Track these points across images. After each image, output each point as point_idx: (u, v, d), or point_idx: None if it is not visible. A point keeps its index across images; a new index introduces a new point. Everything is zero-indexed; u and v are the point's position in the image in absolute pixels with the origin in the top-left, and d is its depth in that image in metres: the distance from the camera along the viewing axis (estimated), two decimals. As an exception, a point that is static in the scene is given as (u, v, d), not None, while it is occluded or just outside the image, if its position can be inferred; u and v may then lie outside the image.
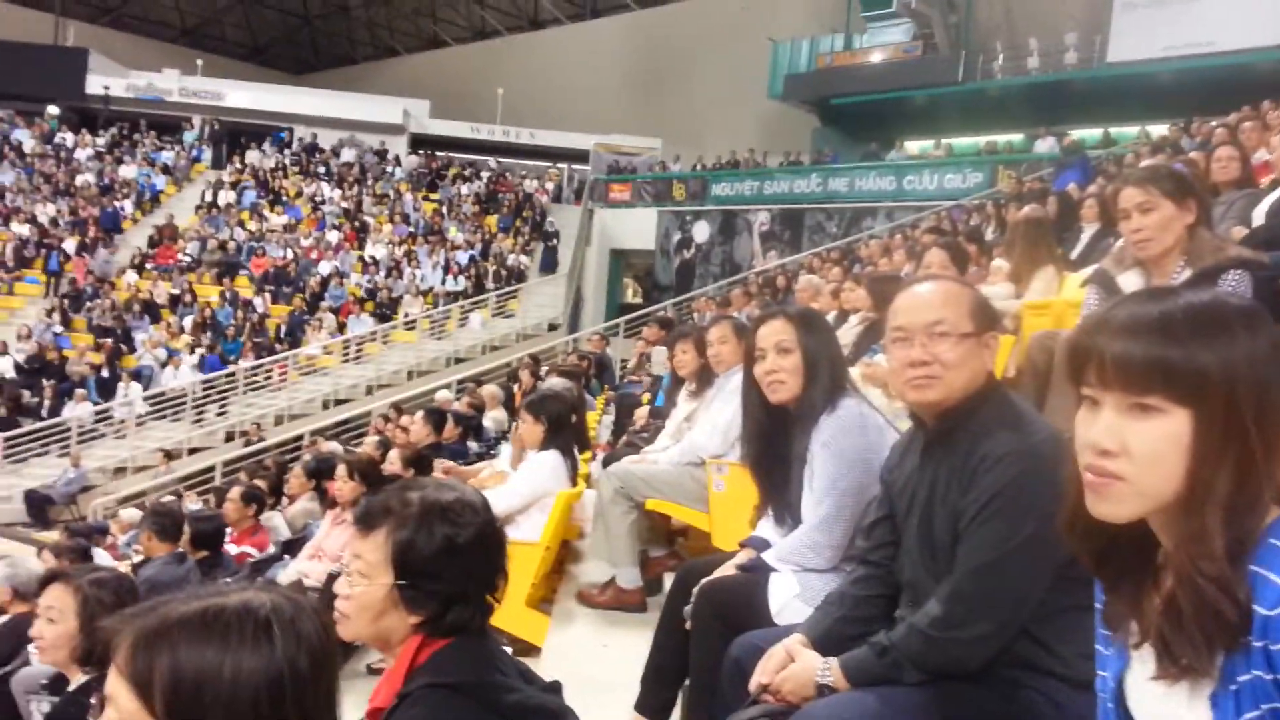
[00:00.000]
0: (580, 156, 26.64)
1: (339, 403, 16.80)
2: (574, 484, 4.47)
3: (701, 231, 22.42)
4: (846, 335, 5.17)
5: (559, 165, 26.99)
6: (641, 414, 5.86)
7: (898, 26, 22.64)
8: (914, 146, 23.50)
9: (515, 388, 10.04)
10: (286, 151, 25.91)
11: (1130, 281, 2.73)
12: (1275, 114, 9.85)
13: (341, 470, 4.98)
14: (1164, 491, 1.04)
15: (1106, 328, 1.09)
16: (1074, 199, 8.80)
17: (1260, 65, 16.94)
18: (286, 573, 4.84)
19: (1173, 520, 1.06)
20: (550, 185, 25.59)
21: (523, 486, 4.27)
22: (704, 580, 2.46)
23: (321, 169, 24.92)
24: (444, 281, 20.60)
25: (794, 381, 2.47)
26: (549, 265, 21.76)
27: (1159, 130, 15.93)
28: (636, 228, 22.96)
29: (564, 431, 4.41)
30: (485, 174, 26.17)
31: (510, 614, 3.57)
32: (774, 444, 2.56)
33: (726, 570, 2.50)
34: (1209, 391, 1.01)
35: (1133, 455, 1.04)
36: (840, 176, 21.13)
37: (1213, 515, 1.02)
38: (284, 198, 23.29)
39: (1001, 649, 1.69)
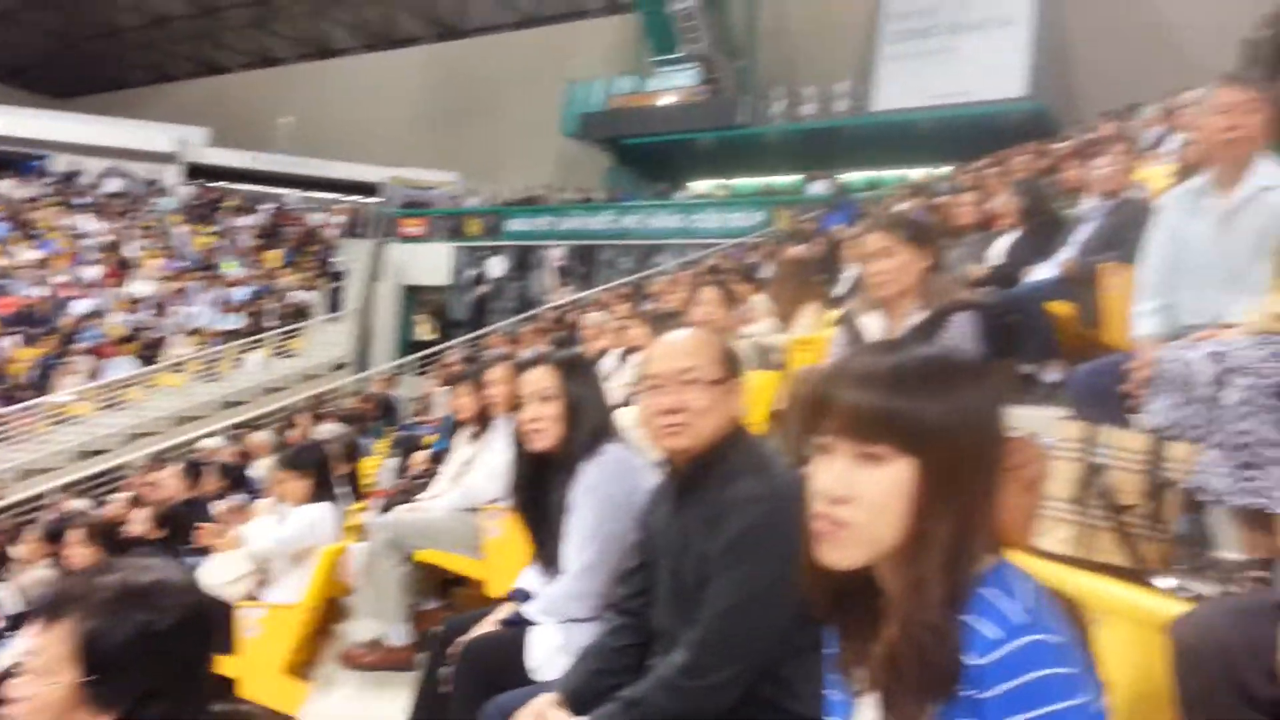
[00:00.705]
0: (372, 190, 25.88)
1: (95, 454, 15.32)
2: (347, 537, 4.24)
3: (497, 267, 22.25)
4: (630, 373, 5.20)
5: (349, 198, 26.11)
6: (420, 458, 5.64)
7: (685, 71, 23.48)
8: (701, 186, 24.40)
9: (291, 433, 9.49)
10: (43, 181, 23.65)
11: (871, 323, 2.86)
12: (1020, 159, 10.89)
13: (76, 534, 4.47)
14: (888, 539, 1.06)
15: (841, 378, 1.10)
16: (838, 239, 9.36)
17: (1010, 114, 18.72)
18: (5, 655, 4.28)
19: (896, 568, 1.07)
20: (339, 219, 24.67)
21: (282, 542, 4.00)
22: (463, 639, 2.34)
23: (83, 200, 22.91)
24: (217, 320, 19.33)
25: (555, 429, 2.43)
26: (336, 302, 20.91)
27: (920, 174, 17.30)
28: (430, 263, 22.49)
29: (328, 483, 4.17)
30: (267, 206, 24.90)
31: (265, 683, 3.29)
32: (538, 492, 2.50)
33: (487, 626, 2.39)
34: (933, 442, 1.04)
35: (861, 502, 1.05)
36: (632, 214, 21.60)
37: (932, 564, 1.03)
38: (37, 231, 21.20)
39: (745, 691, 1.68)
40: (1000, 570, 1.07)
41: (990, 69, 19.06)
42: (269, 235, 23.34)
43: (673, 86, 23.73)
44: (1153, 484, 2.07)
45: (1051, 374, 4.56)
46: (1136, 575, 2.02)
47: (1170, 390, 2.35)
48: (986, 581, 1.05)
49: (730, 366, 1.88)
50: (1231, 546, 2.61)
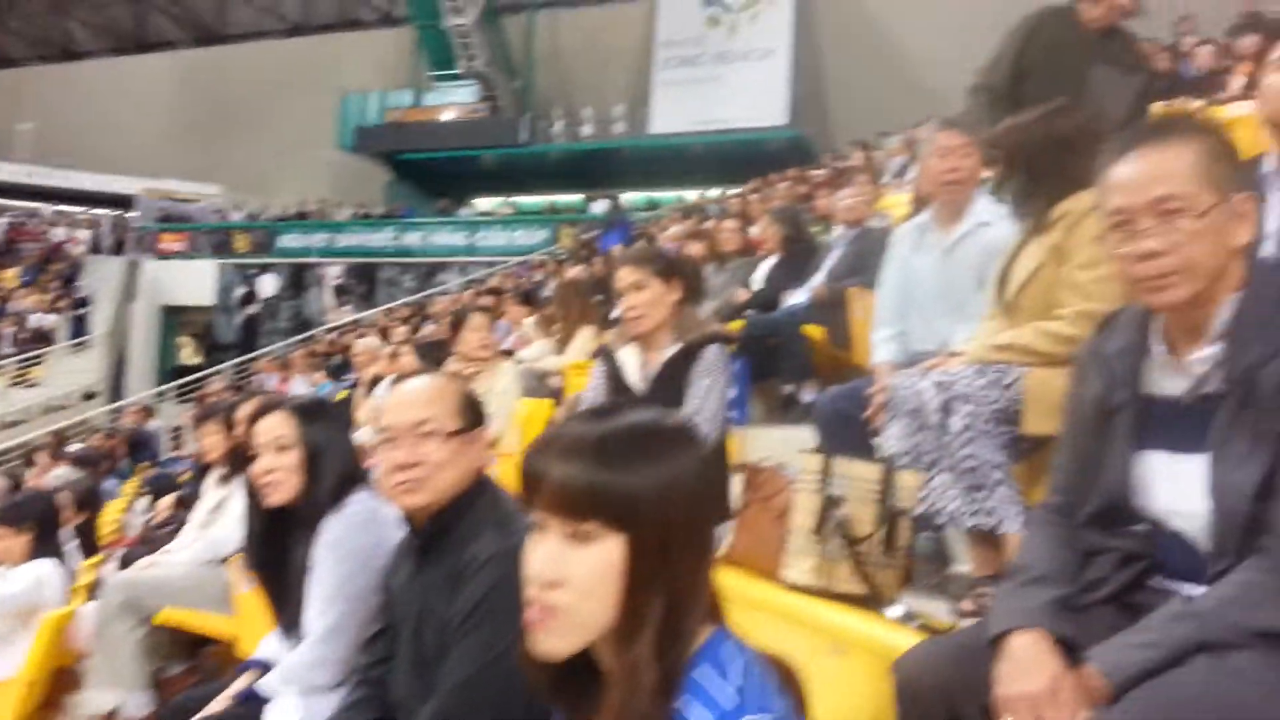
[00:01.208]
0: (127, 203, 23.81)
1: None
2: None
3: (268, 285, 21.06)
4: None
5: (98, 211, 23.91)
6: (167, 503, 5.19)
7: (464, 87, 23.21)
8: (485, 203, 24.17)
9: (29, 473, 8.54)
10: None
11: (629, 356, 2.87)
12: (781, 185, 11.47)
13: None
14: (600, 622, 1.02)
15: (548, 451, 1.05)
16: (616, 260, 9.51)
17: (773, 141, 19.75)
18: None
19: (610, 651, 1.03)
20: (86, 233, 22.55)
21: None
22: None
23: None
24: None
25: (293, 480, 2.26)
26: (82, 326, 19.07)
27: (694, 195, 17.94)
28: (193, 282, 20.95)
29: (53, 537, 3.74)
30: (2, 220, 22.41)
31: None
32: (277, 550, 2.32)
33: (221, 703, 2.19)
34: (641, 516, 1.01)
35: (571, 585, 1.01)
36: (414, 231, 21.07)
37: (645, 646, 1.00)
38: None
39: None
40: (714, 644, 1.05)
41: (754, 97, 20.07)
42: (3, 253, 21.01)
43: (452, 102, 23.40)
44: (885, 512, 2.18)
45: (808, 394, 4.80)
46: (872, 604, 2.11)
47: (904, 418, 2.48)
48: (700, 658, 1.03)
49: (471, 415, 1.81)
50: (965, 564, 2.81)
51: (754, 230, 7.41)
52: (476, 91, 23.09)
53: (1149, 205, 1.36)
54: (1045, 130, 2.60)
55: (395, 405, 1.79)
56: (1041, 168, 2.53)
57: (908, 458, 2.42)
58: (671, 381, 2.78)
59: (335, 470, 2.29)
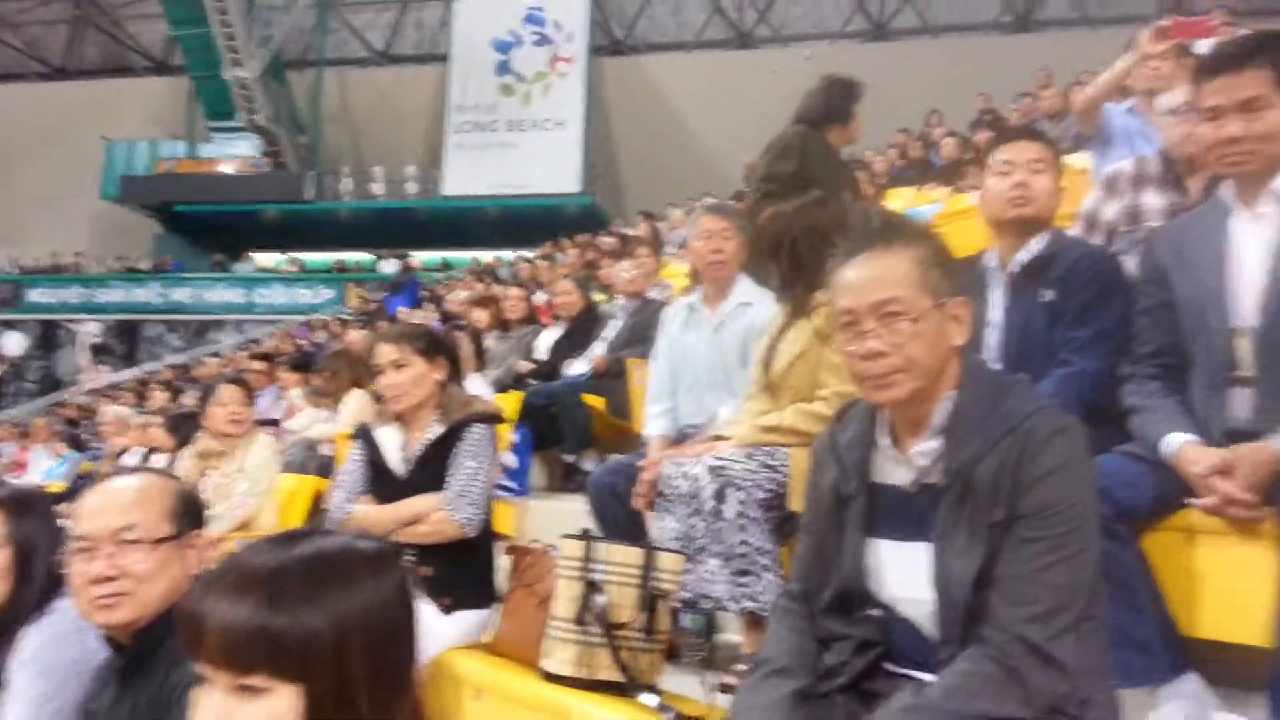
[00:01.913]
0: None
1: None
2: None
3: (14, 343, 19.07)
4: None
5: None
6: None
7: (244, 140, 22.17)
8: (266, 259, 23.03)
9: None
10: None
11: (389, 436, 2.74)
12: (572, 251, 11.58)
13: None
14: None
15: (213, 589, 0.91)
16: (404, 322, 9.24)
17: (567, 207, 20.06)
18: None
19: None
20: None
21: None
22: None
23: None
24: None
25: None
26: None
27: (488, 256, 17.84)
28: (-80, 339, 18.67)
29: None
30: None
31: None
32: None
33: None
34: (317, 661, 0.89)
35: None
36: (185, 286, 19.77)
37: None
38: None
39: None
40: None
41: (548, 164, 20.37)
42: None
43: (231, 155, 22.26)
44: (646, 596, 2.14)
45: (588, 463, 4.78)
46: (631, 691, 2.06)
47: (678, 504, 2.49)
48: None
49: (185, 518, 1.63)
50: (732, 633, 2.83)
51: (541, 297, 7.41)
52: (258, 145, 22.10)
53: (872, 307, 1.42)
54: (805, 220, 2.72)
55: (92, 510, 1.58)
56: (802, 255, 2.64)
57: (678, 543, 2.42)
58: (434, 463, 2.66)
59: (42, 572, 2.02)
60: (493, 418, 2.73)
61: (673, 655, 2.62)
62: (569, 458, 4.86)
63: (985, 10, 20.35)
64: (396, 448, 2.72)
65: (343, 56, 23.62)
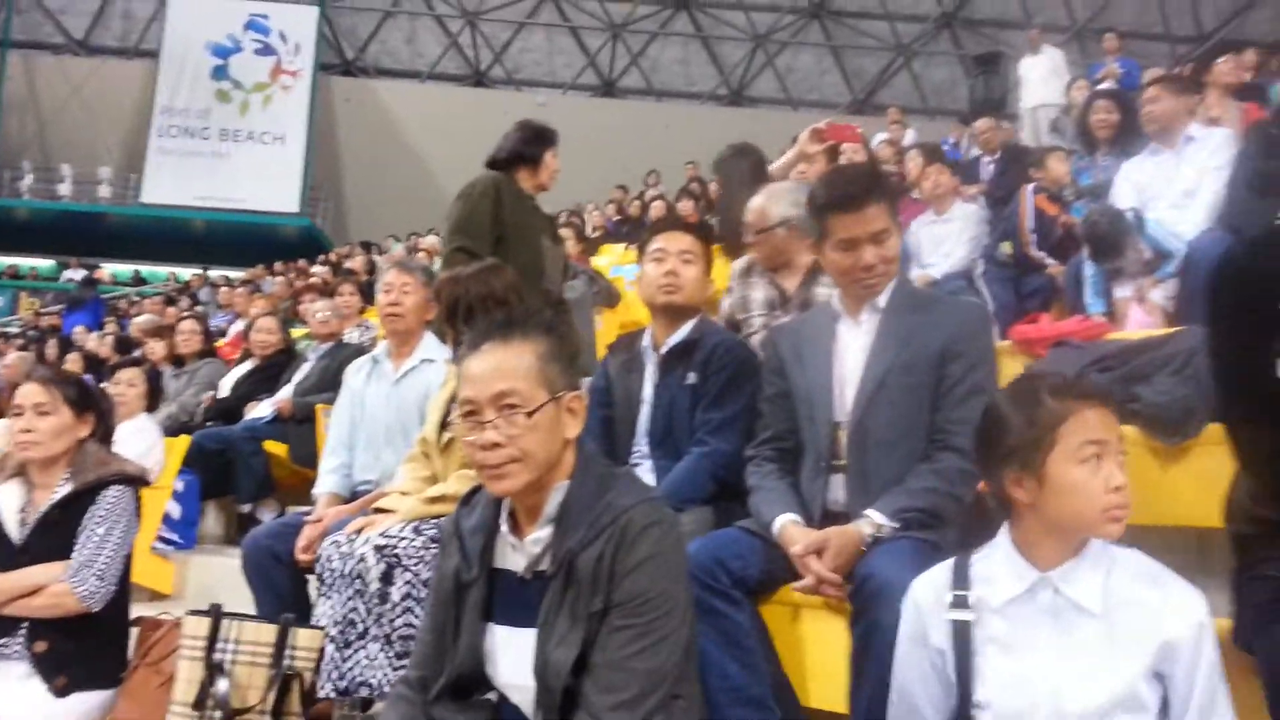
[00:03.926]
0: None
1: None
2: None
3: None
4: None
5: None
6: None
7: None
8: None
9: None
10: None
11: (6, 492, 2.44)
12: (279, 279, 10.98)
13: None
14: None
15: None
16: (76, 345, 8.34)
17: (284, 228, 19.02)
18: None
19: None
20: None
21: None
22: None
23: None
24: None
25: None
26: None
27: (188, 273, 16.51)
28: None
29: None
30: None
31: None
32: None
33: None
34: None
35: None
36: None
37: None
38: None
39: None
40: None
41: (265, 180, 19.26)
42: None
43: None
44: (279, 676, 2.05)
45: (266, 513, 4.51)
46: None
47: (341, 586, 2.38)
48: None
49: None
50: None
51: (238, 327, 6.96)
52: (-84, 129, 19.24)
53: (491, 399, 1.46)
54: (482, 287, 2.75)
55: None
56: (475, 319, 2.66)
57: (337, 627, 2.32)
58: (59, 528, 2.39)
59: None
60: (133, 479, 2.50)
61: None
62: (244, 508, 4.57)
63: (704, 81, 21.76)
64: (14, 509, 2.42)
65: (34, 40, 21.16)
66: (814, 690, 2.01)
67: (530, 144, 3.76)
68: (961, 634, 1.44)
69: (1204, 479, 2.36)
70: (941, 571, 1.53)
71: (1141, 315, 3.62)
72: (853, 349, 2.12)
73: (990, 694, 1.41)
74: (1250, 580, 1.45)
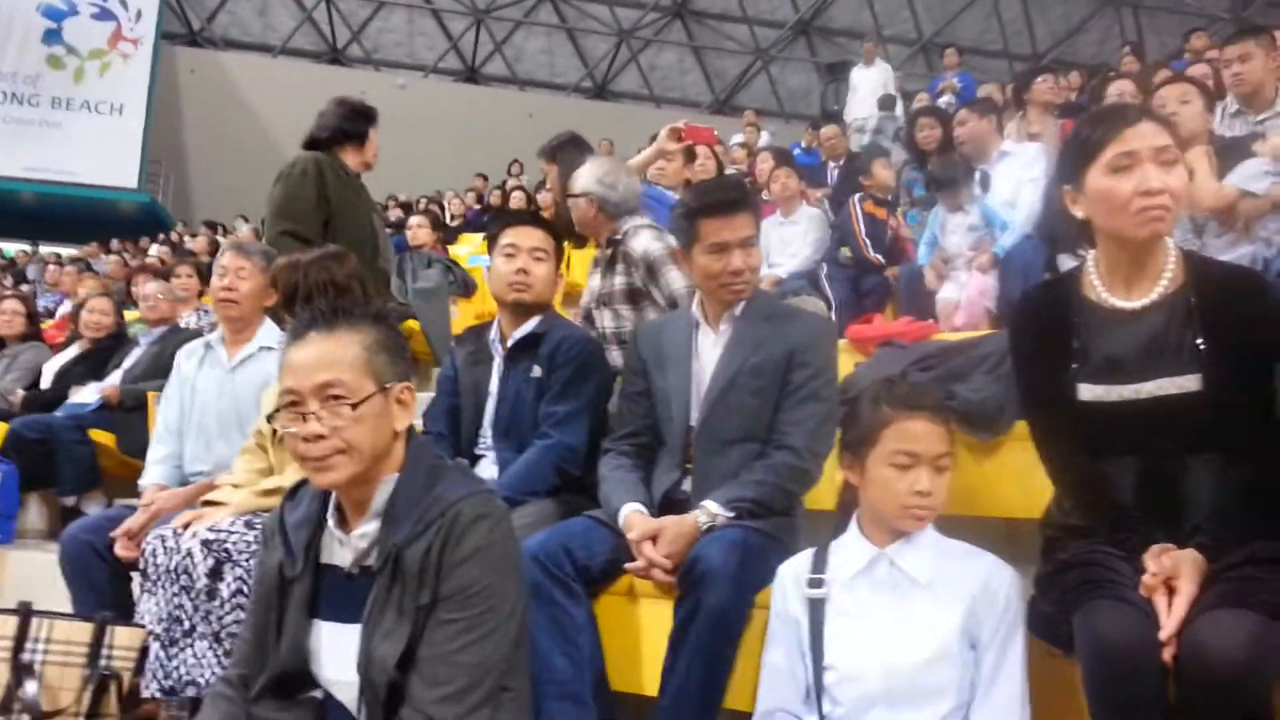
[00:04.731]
0: None
1: None
2: None
3: None
4: None
5: None
6: None
7: None
8: None
9: None
10: None
11: None
12: (113, 257, 10.37)
13: None
14: None
15: None
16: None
17: (122, 203, 17.88)
18: None
19: None
20: None
21: None
22: None
23: None
24: None
25: None
26: None
27: (14, 249, 15.37)
28: None
29: None
30: None
31: None
32: None
33: None
34: None
35: None
36: None
37: None
38: None
39: None
40: None
41: (102, 153, 18.02)
42: None
43: None
44: (95, 676, 1.96)
45: (92, 505, 4.27)
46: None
47: (166, 582, 2.28)
48: None
49: None
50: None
51: (66, 308, 6.53)
52: None
53: (315, 389, 1.44)
54: (321, 272, 2.70)
55: None
56: (311, 310, 2.59)
57: (162, 625, 2.23)
58: None
59: None
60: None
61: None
62: (68, 500, 4.30)
63: (569, 73, 21.71)
64: None
65: None
66: (644, 675, 2.06)
67: (353, 120, 3.65)
68: (816, 609, 1.66)
69: (1014, 472, 2.56)
70: (804, 557, 1.74)
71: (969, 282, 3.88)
72: (709, 356, 2.22)
73: (836, 657, 1.62)
74: (1057, 573, 1.60)
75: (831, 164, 6.84)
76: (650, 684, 2.03)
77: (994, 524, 2.62)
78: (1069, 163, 1.65)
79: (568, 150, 3.70)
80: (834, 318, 4.21)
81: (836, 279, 4.72)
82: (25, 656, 1.90)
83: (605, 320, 3.06)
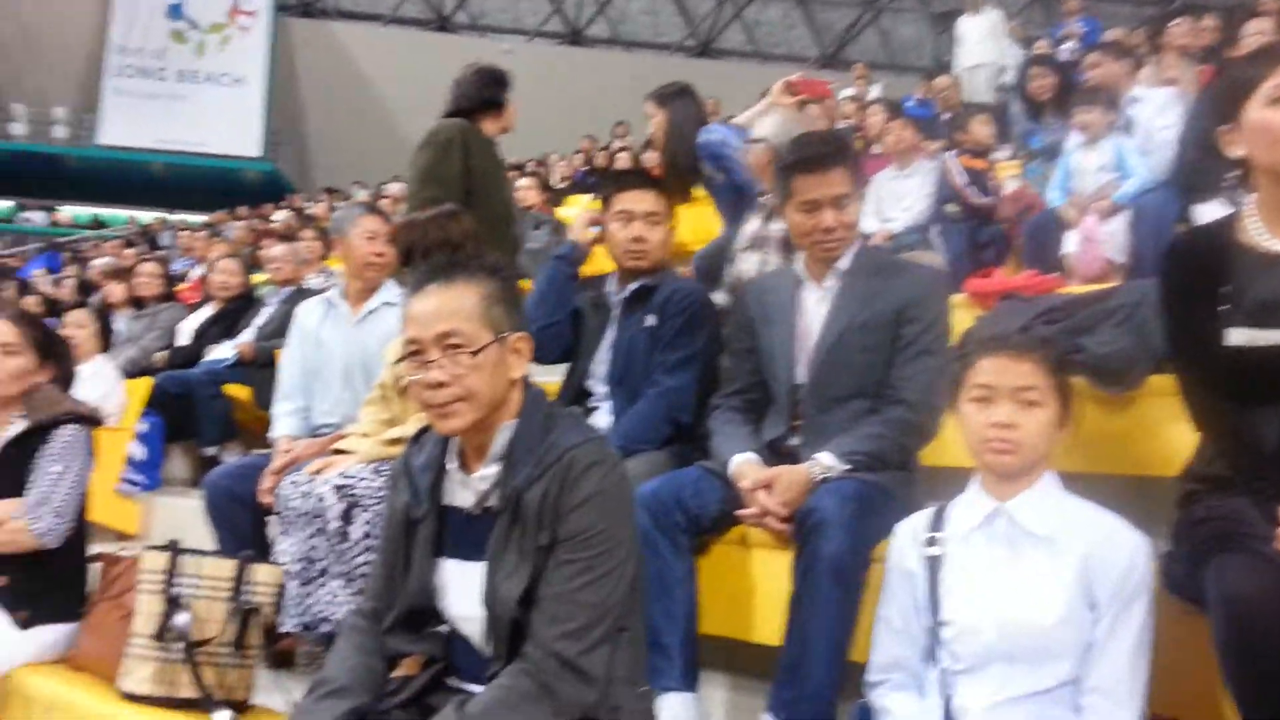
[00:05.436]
0: None
1: None
2: None
3: None
4: None
5: None
6: None
7: None
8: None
9: None
10: None
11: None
12: (239, 224, 10.83)
13: None
14: None
15: None
16: (35, 289, 8.21)
17: (246, 172, 18.69)
18: None
19: None
20: None
21: None
22: None
23: None
24: None
25: None
26: None
27: (148, 217, 16.21)
28: None
29: None
30: None
31: None
32: None
33: None
34: None
35: None
36: None
37: None
38: None
39: None
40: None
41: (225, 123, 18.88)
42: None
43: None
44: (237, 611, 2.09)
45: (230, 456, 4.51)
46: (215, 708, 2.00)
47: (301, 525, 2.43)
48: None
49: None
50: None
51: (197, 272, 6.87)
52: None
53: (435, 339, 1.49)
54: (437, 231, 2.78)
55: None
56: (430, 264, 2.68)
57: (299, 564, 2.38)
58: (14, 465, 2.41)
59: None
60: (85, 418, 2.51)
61: (288, 665, 2.58)
62: (208, 451, 4.56)
63: (672, 32, 21.49)
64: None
65: (-21, -25, 20.40)
66: (757, 623, 2.09)
67: (490, 87, 3.73)
68: (933, 566, 1.64)
69: (1147, 428, 2.47)
70: (923, 515, 1.73)
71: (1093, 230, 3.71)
72: (814, 313, 2.20)
73: (952, 612, 1.60)
74: (1192, 525, 1.56)
75: (946, 115, 6.63)
76: (763, 631, 2.05)
77: (1126, 482, 2.53)
78: (1223, 103, 1.59)
79: (680, 99, 3.68)
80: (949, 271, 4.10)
81: (951, 233, 4.60)
82: (175, 590, 2.04)
83: (748, 264, 3.01)
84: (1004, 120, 5.73)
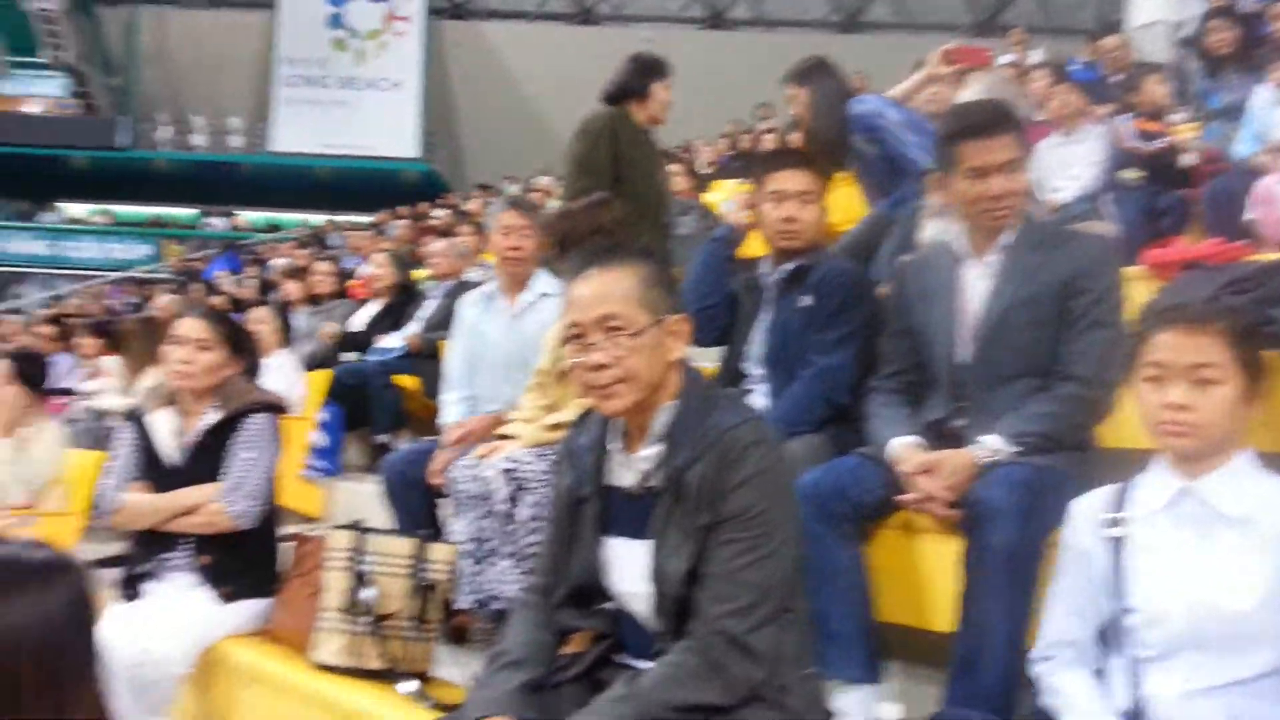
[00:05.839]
0: None
1: None
2: None
3: None
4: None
5: None
6: None
7: (51, 79, 20.41)
8: (77, 210, 21.39)
9: None
10: None
11: (162, 420, 2.66)
12: (401, 223, 11.32)
13: None
14: None
15: None
16: (219, 289, 8.85)
17: (404, 173, 19.53)
18: None
19: None
20: None
21: None
22: None
23: None
24: None
25: None
26: None
27: (319, 219, 17.16)
28: None
29: None
30: None
31: None
32: None
33: None
34: None
35: None
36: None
37: None
38: None
39: None
40: None
41: (385, 127, 19.74)
42: None
43: (36, 94, 20.50)
44: (417, 587, 2.21)
45: (402, 444, 4.76)
46: (399, 679, 2.12)
47: (471, 507, 2.56)
48: None
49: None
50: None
51: (364, 269, 7.24)
52: (67, 85, 20.40)
53: (596, 322, 1.53)
54: (592, 221, 2.85)
55: None
56: (587, 251, 2.74)
57: (471, 544, 2.50)
58: (210, 452, 2.61)
59: None
60: (274, 407, 2.70)
61: (461, 640, 2.72)
62: (381, 438, 4.83)
63: (816, 8, 21.03)
64: (170, 434, 2.65)
65: (163, -7, 22.05)
66: (926, 609, 2.05)
67: (637, 76, 3.79)
68: (1115, 548, 1.56)
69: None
70: (1101, 493, 1.64)
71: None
72: (977, 289, 2.12)
73: (1139, 599, 1.52)
74: None
75: (1117, 77, 6.23)
76: (932, 618, 2.01)
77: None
78: None
79: (818, 75, 3.62)
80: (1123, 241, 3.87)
81: (1125, 201, 4.33)
82: (360, 567, 2.17)
83: (933, 230, 2.94)
84: (1181, 79, 5.35)
